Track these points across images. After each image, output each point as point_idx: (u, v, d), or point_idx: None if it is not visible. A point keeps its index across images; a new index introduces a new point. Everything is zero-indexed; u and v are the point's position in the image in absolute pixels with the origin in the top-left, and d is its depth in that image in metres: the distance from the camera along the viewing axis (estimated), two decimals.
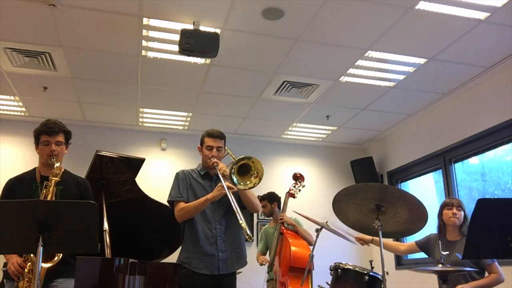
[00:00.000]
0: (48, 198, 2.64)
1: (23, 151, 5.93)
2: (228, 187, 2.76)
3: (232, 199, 2.73)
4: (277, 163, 6.82)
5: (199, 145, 3.13)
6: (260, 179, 2.79)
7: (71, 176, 2.93)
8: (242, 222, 2.64)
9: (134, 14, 3.79)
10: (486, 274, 3.20)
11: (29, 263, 2.51)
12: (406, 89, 5.16)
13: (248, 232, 2.62)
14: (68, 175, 2.90)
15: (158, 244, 4.14)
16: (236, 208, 2.69)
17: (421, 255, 3.80)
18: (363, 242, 3.62)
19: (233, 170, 2.76)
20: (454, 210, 3.34)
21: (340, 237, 3.74)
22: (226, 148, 3.16)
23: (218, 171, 2.87)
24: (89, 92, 5.32)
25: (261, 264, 4.65)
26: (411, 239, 6.21)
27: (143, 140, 6.49)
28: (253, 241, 2.61)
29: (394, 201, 2.79)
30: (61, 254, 2.53)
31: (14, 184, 2.81)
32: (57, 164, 2.72)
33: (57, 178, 2.69)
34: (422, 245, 3.55)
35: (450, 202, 3.42)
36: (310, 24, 3.91)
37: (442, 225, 3.43)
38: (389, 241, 3.95)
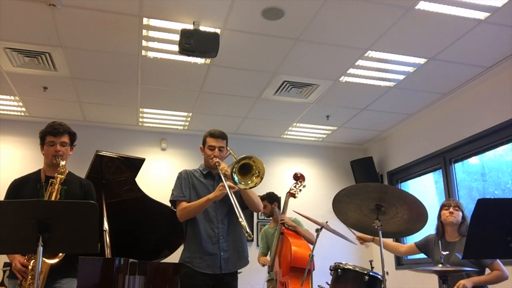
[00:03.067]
0: (53, 196, 2.65)
1: (23, 151, 5.94)
2: (230, 187, 2.77)
3: (233, 198, 2.74)
4: (277, 163, 6.82)
5: (201, 145, 3.14)
6: (262, 178, 2.80)
7: (75, 177, 2.95)
8: (242, 220, 2.65)
9: (134, 14, 3.79)
10: (488, 272, 3.20)
11: (33, 260, 2.51)
12: (406, 89, 5.16)
13: (248, 230, 2.64)
14: (72, 176, 2.93)
15: (158, 244, 4.14)
16: (236, 207, 2.70)
17: (421, 255, 3.80)
18: (363, 241, 3.62)
19: (234, 170, 2.76)
20: (451, 209, 3.38)
21: (340, 237, 3.75)
22: (228, 148, 3.16)
23: (220, 171, 2.88)
24: (89, 92, 5.33)
25: (263, 265, 4.65)
26: (411, 239, 6.21)
27: (143, 140, 6.50)
28: (252, 239, 2.64)
29: (394, 201, 2.79)
30: None
31: (19, 184, 2.83)
32: (63, 163, 2.75)
33: (62, 176, 2.71)
34: (422, 246, 3.56)
35: (447, 203, 3.48)
36: (310, 24, 3.91)
37: (440, 226, 3.46)
38: (390, 241, 3.95)
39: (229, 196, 2.75)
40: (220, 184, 2.85)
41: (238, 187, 2.80)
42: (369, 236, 3.52)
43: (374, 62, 4.56)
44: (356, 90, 5.19)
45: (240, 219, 2.65)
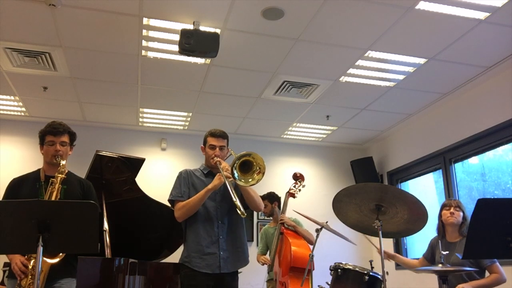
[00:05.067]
0: (54, 195, 2.66)
1: (22, 151, 5.94)
2: (227, 177, 2.80)
3: (230, 186, 2.77)
4: (277, 163, 6.81)
5: (202, 145, 3.14)
6: (263, 174, 2.80)
7: (74, 177, 2.95)
8: (236, 200, 2.72)
9: (134, 14, 3.79)
10: (487, 274, 3.20)
11: (33, 260, 2.51)
12: (406, 89, 5.16)
13: (242, 209, 2.72)
14: (72, 175, 2.92)
15: (158, 244, 4.14)
16: (230, 188, 2.75)
17: (421, 254, 3.76)
18: (387, 257, 3.52)
19: (235, 166, 2.76)
20: (452, 210, 3.37)
21: (340, 237, 3.75)
22: (229, 148, 3.17)
23: (221, 170, 2.88)
24: (89, 92, 5.33)
25: (263, 264, 4.65)
26: (411, 239, 6.22)
27: (143, 140, 6.49)
28: (245, 216, 2.72)
29: (394, 201, 2.79)
30: None
31: (18, 183, 2.83)
32: (63, 162, 2.75)
33: (63, 176, 2.71)
34: (428, 255, 3.52)
35: (448, 203, 3.46)
36: (310, 24, 3.91)
37: (441, 226, 3.46)
38: (404, 259, 3.82)
39: (228, 192, 2.76)
40: (218, 173, 2.88)
41: (236, 180, 2.81)
42: (394, 254, 3.43)
43: (374, 62, 4.56)
44: (356, 90, 5.19)
45: (234, 199, 2.71)
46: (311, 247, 3.87)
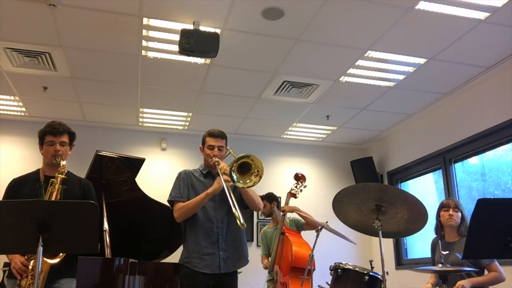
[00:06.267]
0: (53, 196, 2.66)
1: (22, 151, 5.94)
2: (225, 180, 2.79)
3: (228, 190, 2.76)
4: (277, 163, 6.82)
5: (201, 145, 3.14)
6: (260, 177, 2.79)
7: (74, 176, 2.95)
8: (236, 210, 2.67)
9: (134, 14, 3.79)
10: (486, 273, 3.20)
11: (33, 260, 2.51)
12: (406, 89, 5.16)
13: (242, 221, 2.66)
14: (71, 175, 2.92)
15: (158, 244, 4.14)
16: (230, 196, 2.73)
17: (421, 254, 3.80)
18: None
19: (233, 168, 2.76)
20: (451, 211, 3.36)
21: (340, 237, 3.74)
22: (228, 147, 3.17)
23: (219, 170, 2.88)
24: (89, 92, 5.33)
25: (265, 268, 4.64)
26: (411, 239, 6.21)
27: (143, 140, 6.50)
28: (245, 228, 2.70)
29: (394, 201, 2.79)
30: None
31: (18, 184, 2.83)
32: (63, 163, 2.75)
33: (63, 176, 2.71)
34: (433, 260, 3.50)
35: (447, 203, 3.44)
36: (310, 24, 3.91)
37: (439, 226, 3.46)
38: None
39: (225, 190, 2.76)
40: (218, 177, 2.88)
41: (234, 183, 2.80)
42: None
43: (374, 62, 4.56)
44: (356, 90, 5.19)
45: (234, 210, 2.67)
46: (312, 246, 3.87)
